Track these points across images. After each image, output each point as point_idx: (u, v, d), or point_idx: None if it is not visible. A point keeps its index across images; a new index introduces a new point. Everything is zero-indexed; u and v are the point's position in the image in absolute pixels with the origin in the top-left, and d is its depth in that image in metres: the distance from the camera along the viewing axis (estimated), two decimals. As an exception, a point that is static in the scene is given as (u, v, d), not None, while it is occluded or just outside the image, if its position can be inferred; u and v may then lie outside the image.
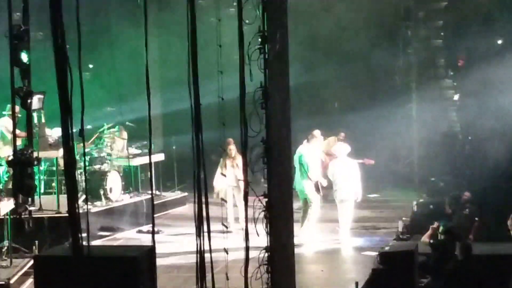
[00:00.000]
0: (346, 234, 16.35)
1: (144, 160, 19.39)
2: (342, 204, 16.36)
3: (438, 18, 24.06)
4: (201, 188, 9.06)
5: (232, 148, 16.91)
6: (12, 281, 13.05)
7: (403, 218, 17.35)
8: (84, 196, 15.40)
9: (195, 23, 8.65)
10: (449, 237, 13.15)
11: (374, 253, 14.36)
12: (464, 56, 24.13)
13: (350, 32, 23.42)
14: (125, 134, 19.61)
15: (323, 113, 23.91)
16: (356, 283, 12.15)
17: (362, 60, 23.54)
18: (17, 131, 10.18)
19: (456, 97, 24.44)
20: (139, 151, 19.76)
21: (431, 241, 13.51)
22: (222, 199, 16.22)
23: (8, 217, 13.72)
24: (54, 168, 16.80)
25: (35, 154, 9.63)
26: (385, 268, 12.42)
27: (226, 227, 14.47)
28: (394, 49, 24.25)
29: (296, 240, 12.21)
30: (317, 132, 19.21)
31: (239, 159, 16.72)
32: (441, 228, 13.55)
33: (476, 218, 15.85)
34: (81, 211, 7.97)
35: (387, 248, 13.81)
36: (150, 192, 17.42)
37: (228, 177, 16.97)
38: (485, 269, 11.83)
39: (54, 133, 16.73)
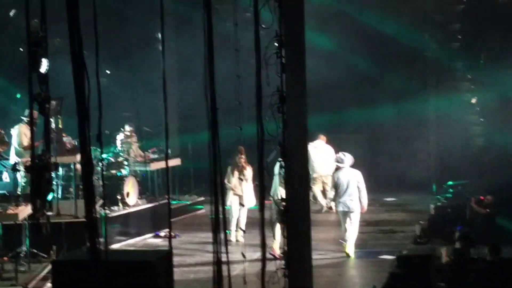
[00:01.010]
0: (352, 246, 15.74)
1: (161, 164, 19.42)
2: (345, 216, 15.73)
3: (455, 21, 23.99)
4: (218, 192, 9.07)
5: (243, 158, 16.65)
6: (30, 286, 13.11)
7: (421, 222, 17.31)
8: (101, 201, 15.44)
9: (211, 27, 8.65)
10: (464, 242, 13.12)
11: (392, 257, 14.35)
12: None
13: (368, 34, 23.39)
14: (132, 133, 19.69)
15: (338, 114, 23.81)
16: (374, 287, 12.14)
17: (380, 63, 23.45)
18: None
19: (474, 100, 24.35)
20: (156, 156, 19.80)
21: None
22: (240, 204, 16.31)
23: (26, 222, 13.77)
24: (72, 173, 16.84)
25: (52, 160, 9.66)
26: (402, 272, 12.39)
27: (244, 232, 14.53)
28: (412, 52, 24.18)
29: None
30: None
31: (247, 171, 16.75)
32: (457, 234, 13.53)
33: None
34: (98, 216, 7.99)
35: (404, 252, 13.80)
36: (166, 196, 17.43)
37: (235, 187, 16.89)
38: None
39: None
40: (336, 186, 15.84)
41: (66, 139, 16.96)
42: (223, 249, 9.04)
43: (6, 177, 16.98)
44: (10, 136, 16.71)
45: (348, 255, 15.56)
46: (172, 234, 14.95)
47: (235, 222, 16.79)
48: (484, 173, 21.50)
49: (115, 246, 16.37)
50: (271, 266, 9.78)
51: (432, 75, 24.15)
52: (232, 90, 9.55)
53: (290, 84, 9.50)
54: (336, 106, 23.70)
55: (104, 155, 17.50)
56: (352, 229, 15.71)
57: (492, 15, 23.08)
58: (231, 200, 16.82)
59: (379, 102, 23.75)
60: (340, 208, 15.80)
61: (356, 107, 24.19)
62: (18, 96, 16.99)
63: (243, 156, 16.52)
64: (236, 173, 16.76)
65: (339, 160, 16.10)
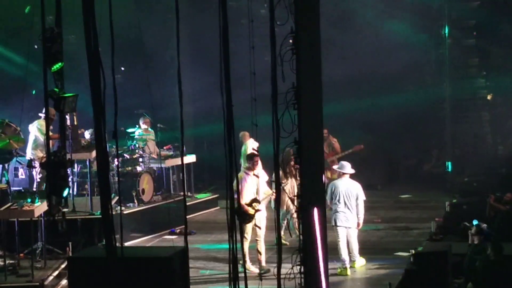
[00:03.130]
0: (358, 260, 14.65)
1: (176, 161, 19.46)
2: (343, 231, 14.43)
3: (470, 17, 23.89)
4: (233, 190, 9.07)
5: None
6: (46, 282, 13.15)
7: (436, 219, 17.26)
8: (116, 198, 15.47)
9: (227, 24, 8.65)
10: (481, 237, 13.09)
11: (407, 254, 14.32)
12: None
13: (384, 30, 23.33)
14: (149, 124, 19.72)
15: (351, 110, 23.72)
16: (389, 284, 12.12)
17: (395, 59, 23.34)
18: (50, 133, 10.24)
19: (489, 96, 24.26)
20: (171, 153, 19.83)
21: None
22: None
23: (42, 218, 13.82)
24: (87, 170, 16.89)
25: (68, 156, 9.70)
26: (418, 269, 12.37)
27: (259, 228, 14.47)
28: (426, 48, 24.10)
29: None
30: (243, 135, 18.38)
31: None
32: (473, 229, 13.49)
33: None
34: (114, 212, 8.00)
35: (420, 249, 13.77)
36: (182, 193, 17.43)
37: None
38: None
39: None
40: (333, 196, 14.47)
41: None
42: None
43: (22, 174, 17.06)
44: (26, 133, 16.76)
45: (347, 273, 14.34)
46: (188, 230, 14.95)
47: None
48: (499, 169, 21.44)
49: (130, 242, 16.40)
50: (287, 263, 9.77)
51: (447, 71, 24.05)
52: (247, 85, 9.54)
53: (305, 81, 9.48)
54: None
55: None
56: (354, 244, 14.60)
57: (507, 11, 22.98)
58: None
59: (390, 97, 23.64)
60: (339, 223, 14.45)
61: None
62: (33, 92, 17.01)
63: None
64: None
65: (340, 167, 14.77)
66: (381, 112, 23.71)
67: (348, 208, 14.43)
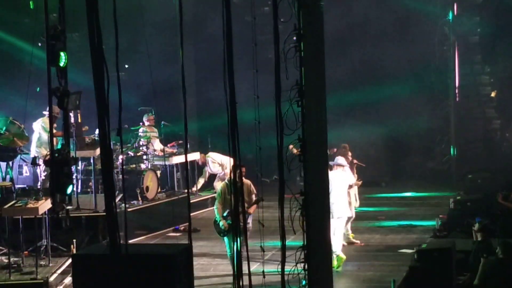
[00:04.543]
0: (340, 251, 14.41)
1: (180, 159, 19.49)
2: (339, 220, 14.47)
3: (474, 14, 23.87)
4: (237, 186, 9.07)
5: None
6: (50, 280, 13.17)
7: (440, 216, 17.27)
8: (121, 195, 15.48)
9: (230, 21, 8.65)
10: (485, 234, 13.09)
11: (411, 251, 14.32)
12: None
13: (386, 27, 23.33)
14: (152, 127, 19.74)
15: (355, 108, 23.73)
16: (393, 281, 12.12)
17: (399, 56, 23.34)
18: (54, 131, 10.25)
19: (493, 93, 24.24)
20: (175, 150, 19.85)
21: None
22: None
23: (46, 216, 13.84)
24: (91, 168, 16.90)
25: (71, 154, 9.70)
26: (422, 266, 12.38)
27: (263, 225, 14.43)
28: (431, 45, 24.08)
29: None
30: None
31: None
32: (476, 226, 13.50)
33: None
34: (118, 210, 8.00)
35: (424, 246, 13.77)
36: (186, 191, 17.44)
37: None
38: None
39: None
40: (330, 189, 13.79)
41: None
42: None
43: (26, 171, 17.09)
44: (29, 131, 16.77)
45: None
46: (192, 227, 14.93)
47: None
48: (503, 166, 21.43)
49: (134, 240, 16.41)
50: (291, 260, 9.77)
51: (451, 68, 24.03)
52: (251, 85, 9.53)
53: (309, 78, 9.48)
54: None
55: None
56: (338, 236, 14.42)
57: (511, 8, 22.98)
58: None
59: (394, 95, 23.64)
60: (336, 215, 14.16)
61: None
62: (38, 90, 17.04)
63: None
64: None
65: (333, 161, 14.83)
66: (384, 107, 23.72)
67: (342, 198, 14.58)
